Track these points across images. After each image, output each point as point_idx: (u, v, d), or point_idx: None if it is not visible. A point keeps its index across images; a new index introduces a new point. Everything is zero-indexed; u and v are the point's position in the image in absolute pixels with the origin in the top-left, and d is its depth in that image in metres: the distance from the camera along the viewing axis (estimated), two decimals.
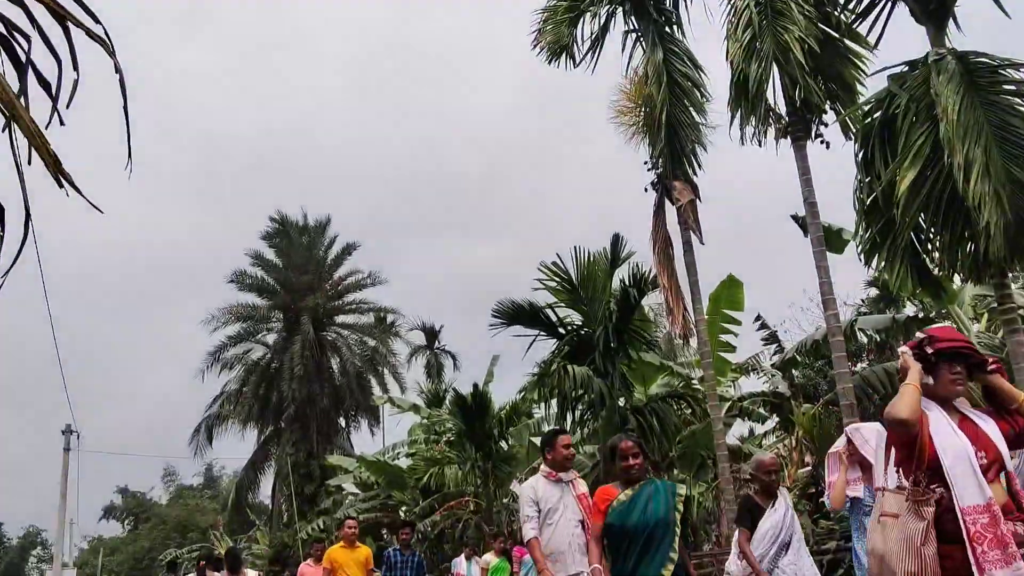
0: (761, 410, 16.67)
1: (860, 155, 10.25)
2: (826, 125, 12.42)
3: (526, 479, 21.69)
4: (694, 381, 16.80)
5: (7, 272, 2.90)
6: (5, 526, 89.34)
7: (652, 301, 17.59)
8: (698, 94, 14.45)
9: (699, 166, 14.43)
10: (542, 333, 15.68)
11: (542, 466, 6.16)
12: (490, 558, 12.05)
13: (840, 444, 6.43)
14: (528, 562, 11.07)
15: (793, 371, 17.39)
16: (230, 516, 39.86)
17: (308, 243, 37.04)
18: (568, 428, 18.57)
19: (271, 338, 36.18)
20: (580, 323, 15.56)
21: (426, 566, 11.39)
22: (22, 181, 2.97)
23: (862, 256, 10.45)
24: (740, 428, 23.21)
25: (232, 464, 58.06)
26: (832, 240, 13.82)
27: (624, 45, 15.45)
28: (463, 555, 13.21)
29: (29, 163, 2.98)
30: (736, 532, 6.45)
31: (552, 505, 5.85)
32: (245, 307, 35.72)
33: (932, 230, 10.01)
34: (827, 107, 12.36)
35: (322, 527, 26.27)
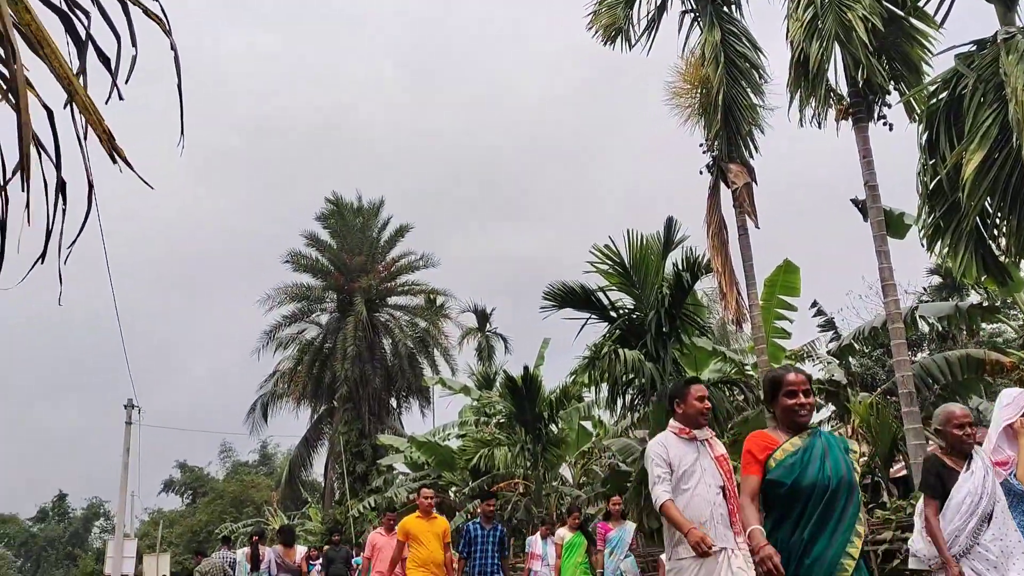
0: (816, 398, 16.35)
1: (924, 137, 9.94)
2: (889, 106, 12.07)
3: (575, 463, 21.35)
4: (747, 367, 16.55)
5: (72, 244, 2.93)
6: (70, 497, 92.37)
7: (706, 286, 17.37)
8: (756, 75, 14.15)
9: (755, 148, 14.16)
10: (593, 316, 15.57)
11: (671, 422, 5.24)
12: (564, 532, 11.32)
13: (1010, 415, 5.32)
14: (615, 539, 10.48)
15: (850, 359, 17.05)
16: (284, 492, 40.55)
17: (362, 225, 37.35)
18: (618, 413, 18.53)
19: (324, 318, 36.67)
20: (632, 307, 15.42)
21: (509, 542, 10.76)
22: (84, 156, 2.99)
23: (924, 241, 10.15)
24: None
25: (286, 442, 59.16)
26: (893, 225, 13.47)
27: (681, 25, 15.21)
28: (538, 533, 12.48)
29: (86, 138, 3.00)
30: (921, 502, 5.29)
31: (687, 468, 4.95)
32: (300, 287, 36.23)
33: (999, 215, 9.66)
34: (891, 88, 12.00)
35: (373, 505, 26.59)
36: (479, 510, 10.70)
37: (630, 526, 10.54)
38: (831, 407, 17.37)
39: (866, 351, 19.80)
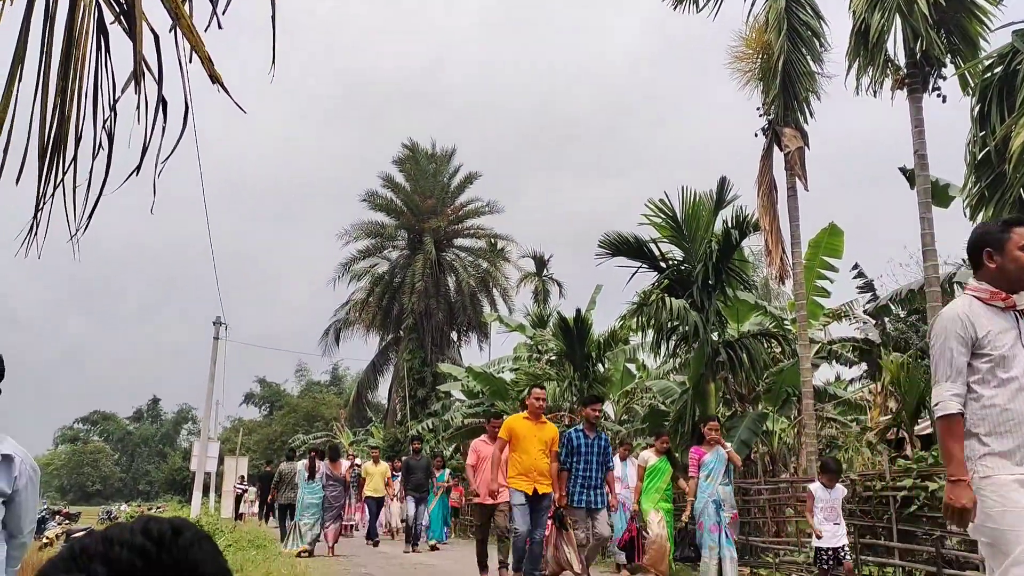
0: (850, 355, 16.13)
1: (976, 109, 9.59)
2: (944, 78, 11.62)
3: (618, 401, 21.23)
4: (786, 322, 16.35)
5: (168, 156, 3.01)
6: (163, 402, 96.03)
7: (752, 243, 17.12)
8: (816, 43, 13.71)
9: (810, 114, 13.78)
10: (644, 266, 15.51)
11: (972, 283, 3.37)
12: (650, 455, 10.39)
13: None
14: (710, 463, 9.08)
15: (885, 320, 16.72)
16: (350, 411, 41.57)
17: (434, 170, 37.48)
18: (661, 357, 18.51)
19: (395, 255, 37.08)
20: (680, 259, 15.32)
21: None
22: (184, 78, 3.08)
23: (968, 210, 9.85)
24: (827, 372, 22.59)
25: (355, 365, 60.39)
26: (938, 194, 13.05)
27: None
28: (617, 455, 11.38)
29: (190, 62, 3.08)
30: None
31: (1006, 349, 3.15)
32: (374, 225, 36.64)
33: None
34: (947, 60, 11.54)
35: (431, 427, 27.14)
36: (583, 416, 9.09)
37: (724, 451, 9.16)
38: (863, 365, 17.12)
39: (901, 315, 19.39)
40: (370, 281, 36.15)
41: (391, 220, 36.84)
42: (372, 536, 16.76)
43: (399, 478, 16.95)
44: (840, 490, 8.12)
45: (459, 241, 37.87)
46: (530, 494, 8.38)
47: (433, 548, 15.41)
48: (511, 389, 21.93)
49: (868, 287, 17.52)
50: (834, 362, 16.55)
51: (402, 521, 17.22)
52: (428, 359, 33.67)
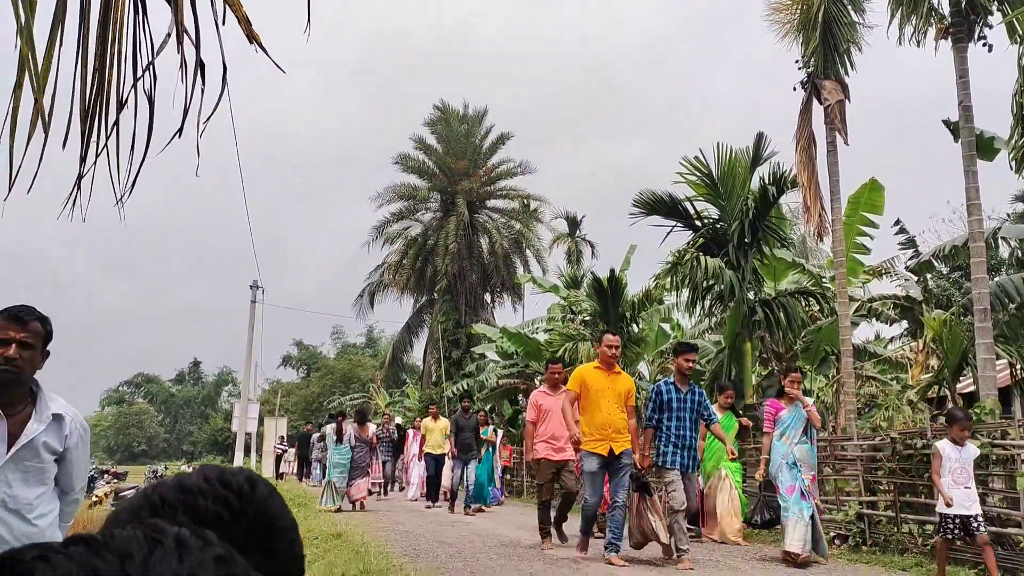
0: (890, 312, 15.87)
1: None
2: (990, 27, 11.21)
3: (652, 361, 21.19)
4: (824, 280, 16.11)
5: (208, 118, 2.98)
6: (203, 364, 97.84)
7: (789, 200, 16.82)
8: None
9: (851, 66, 13.41)
10: (679, 224, 15.36)
11: None
12: (714, 411, 9.18)
13: None
14: (787, 419, 8.09)
15: (927, 276, 16.41)
16: (386, 372, 41.97)
17: (466, 132, 37.30)
18: (696, 317, 18.36)
19: (428, 217, 37.12)
20: (716, 217, 15.14)
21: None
22: (220, 38, 3.04)
23: (1014, 163, 9.58)
24: (866, 331, 22.30)
25: (390, 327, 61.01)
26: (982, 147, 12.66)
27: None
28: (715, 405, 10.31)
29: (224, 23, 3.04)
30: None
31: None
32: (407, 187, 36.65)
33: None
34: (993, 8, 11.13)
35: (466, 388, 27.31)
36: (675, 366, 8.01)
37: (803, 408, 8.10)
38: (904, 323, 16.85)
39: (943, 272, 19.00)
40: (403, 244, 36.27)
41: (424, 182, 36.82)
42: (433, 496, 15.89)
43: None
44: (972, 449, 6.98)
45: (492, 202, 37.79)
46: (606, 456, 7.57)
47: (479, 511, 14.41)
48: (545, 350, 21.96)
49: (910, 243, 17.17)
50: (874, 320, 16.29)
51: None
52: (462, 321, 33.81)
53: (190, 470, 0.82)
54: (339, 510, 14.26)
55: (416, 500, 17.35)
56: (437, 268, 34.27)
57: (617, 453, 7.56)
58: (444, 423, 15.90)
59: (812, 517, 7.80)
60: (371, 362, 60.07)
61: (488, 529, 11.31)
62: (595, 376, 7.71)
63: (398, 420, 23.99)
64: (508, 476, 19.63)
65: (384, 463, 18.21)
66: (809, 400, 8.56)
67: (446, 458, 15.57)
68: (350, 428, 15.17)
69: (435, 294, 35.36)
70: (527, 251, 36.52)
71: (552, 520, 8.98)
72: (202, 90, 3.01)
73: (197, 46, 3.08)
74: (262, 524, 0.79)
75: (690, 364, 7.91)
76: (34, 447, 2.83)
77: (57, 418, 2.91)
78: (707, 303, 15.23)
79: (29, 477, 2.83)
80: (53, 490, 2.96)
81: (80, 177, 2.74)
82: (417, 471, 17.93)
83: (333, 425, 15.60)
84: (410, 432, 19.62)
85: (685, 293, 16.09)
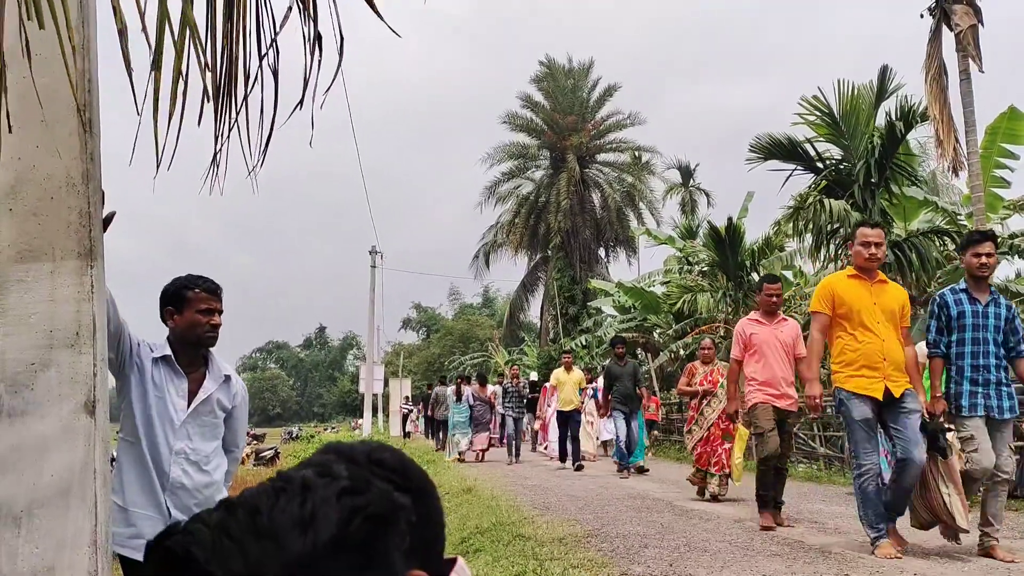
0: None
1: None
2: None
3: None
4: (960, 217, 15.28)
5: (328, 88, 3.11)
6: (328, 329, 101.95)
7: (920, 135, 15.97)
8: None
9: None
10: (799, 167, 14.86)
11: None
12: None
13: None
14: None
15: None
16: (504, 331, 42.65)
17: (572, 86, 37.04)
18: (821, 263, 17.79)
19: (539, 174, 37.21)
20: (839, 158, 14.57)
21: None
22: (335, 9, 3.18)
23: None
24: (1007, 270, 21.05)
25: (506, 286, 61.74)
26: None
27: None
28: None
29: None
30: None
31: None
32: (516, 146, 36.80)
33: None
34: None
35: (584, 343, 27.47)
36: (966, 266, 5.51)
37: None
38: None
39: None
40: (515, 203, 36.52)
41: (532, 140, 36.86)
42: (565, 457, 14.27)
43: (589, 391, 15.56)
44: None
45: (602, 156, 37.48)
46: (880, 399, 5.41)
47: (640, 471, 12.89)
48: (663, 302, 21.82)
49: None
50: (1015, 257, 15.36)
51: (601, 442, 16.73)
52: (577, 277, 33.91)
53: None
54: (461, 460, 16.19)
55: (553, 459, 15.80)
56: (550, 225, 34.39)
57: (898, 395, 5.39)
58: (578, 375, 14.63)
59: None
60: (488, 321, 61.08)
61: (622, 484, 11.18)
62: (852, 288, 5.59)
63: (533, 376, 23.93)
64: (656, 432, 18.50)
65: (516, 420, 16.25)
66: None
67: (581, 415, 14.40)
68: (468, 389, 17.13)
69: (549, 251, 35.54)
70: (640, 204, 36.14)
71: (772, 485, 6.97)
72: (319, 61, 3.16)
73: (315, 19, 3.23)
74: (426, 494, 0.83)
75: (986, 261, 5.34)
76: (210, 403, 3.14)
77: (227, 379, 3.22)
78: (832, 248, 14.73)
79: (206, 431, 3.14)
80: (220, 448, 3.25)
81: (216, 154, 2.93)
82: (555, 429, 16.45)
83: (453, 387, 17.82)
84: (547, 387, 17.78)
85: (808, 239, 15.61)
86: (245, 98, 2.93)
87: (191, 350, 3.10)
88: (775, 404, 6.93)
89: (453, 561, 0.91)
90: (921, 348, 6.02)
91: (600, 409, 14.22)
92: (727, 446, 8.88)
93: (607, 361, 14.13)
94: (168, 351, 3.06)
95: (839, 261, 16.18)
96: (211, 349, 3.20)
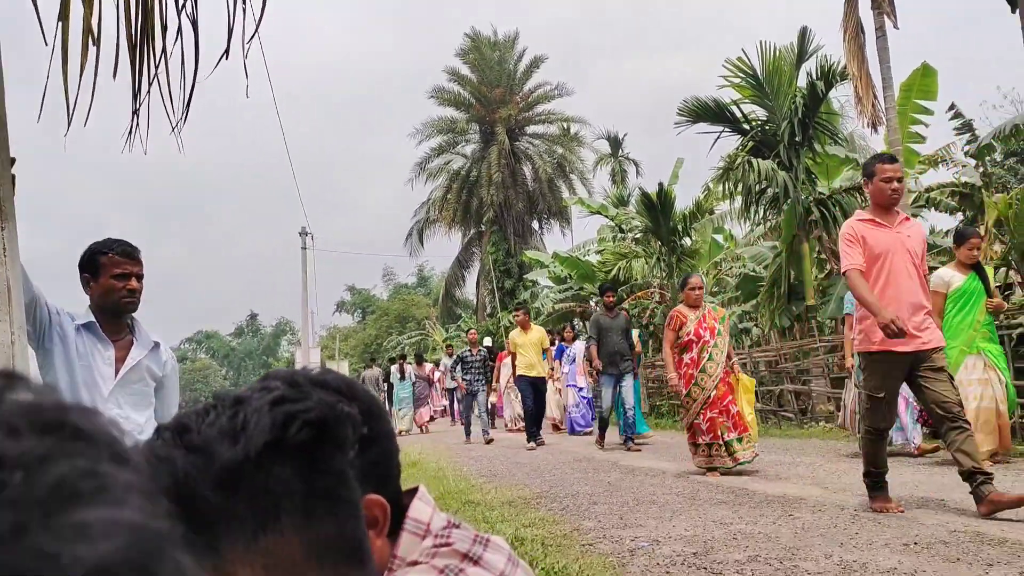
0: (949, 201, 15.54)
1: None
2: None
3: (707, 273, 20.85)
4: None
5: (251, 38, 2.89)
6: (260, 317, 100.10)
7: (839, 94, 16.41)
8: None
9: None
10: (726, 129, 15.17)
11: None
12: (949, 274, 7.00)
13: None
14: None
15: (986, 160, 15.98)
16: (440, 309, 42.49)
17: (499, 58, 36.85)
18: (750, 224, 18.18)
19: (469, 149, 37.04)
20: (764, 118, 14.91)
21: None
22: None
23: None
24: (923, 224, 21.85)
25: (440, 263, 61.48)
26: None
27: None
28: None
29: None
30: None
31: None
32: (445, 121, 36.53)
33: None
34: None
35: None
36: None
37: None
38: (963, 214, 16.49)
39: (998, 159, 18.42)
40: (447, 178, 36.33)
41: (461, 114, 36.63)
42: (534, 434, 11.69)
43: (566, 351, 13.71)
44: None
45: (532, 128, 37.49)
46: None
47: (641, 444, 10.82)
48: (598, 270, 22.06)
49: (966, 127, 16.69)
50: (932, 210, 15.97)
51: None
52: (512, 250, 34.00)
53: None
54: (401, 433, 16.66)
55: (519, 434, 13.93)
56: (482, 199, 34.35)
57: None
58: (540, 333, 12.18)
59: None
60: (425, 300, 60.72)
61: (569, 450, 11.17)
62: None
63: (488, 342, 21.35)
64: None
65: (478, 394, 13.43)
66: None
67: (548, 382, 12.52)
68: (409, 368, 18.60)
69: (483, 226, 35.52)
70: (571, 175, 36.35)
71: (882, 460, 5.09)
72: (243, 9, 2.99)
73: None
74: (375, 411, 0.83)
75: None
76: (140, 370, 3.05)
77: (156, 345, 3.15)
78: (762, 208, 15.09)
79: (137, 400, 3.05)
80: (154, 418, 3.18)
81: (135, 113, 2.79)
82: (513, 403, 15.03)
83: (397, 365, 19.09)
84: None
85: (738, 201, 15.94)
86: (163, 51, 2.76)
87: (112, 318, 3.00)
88: (900, 349, 4.80)
89: (414, 491, 0.91)
90: (941, 275, 6.84)
91: (590, 372, 11.55)
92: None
93: (595, 311, 12.33)
94: (92, 318, 2.96)
95: (768, 222, 16.62)
96: (135, 316, 3.11)
